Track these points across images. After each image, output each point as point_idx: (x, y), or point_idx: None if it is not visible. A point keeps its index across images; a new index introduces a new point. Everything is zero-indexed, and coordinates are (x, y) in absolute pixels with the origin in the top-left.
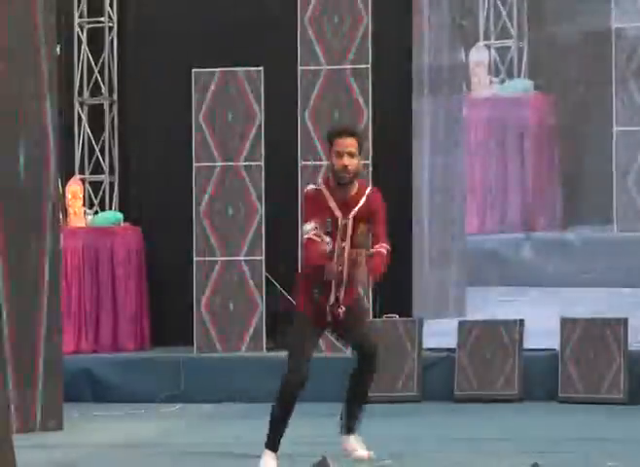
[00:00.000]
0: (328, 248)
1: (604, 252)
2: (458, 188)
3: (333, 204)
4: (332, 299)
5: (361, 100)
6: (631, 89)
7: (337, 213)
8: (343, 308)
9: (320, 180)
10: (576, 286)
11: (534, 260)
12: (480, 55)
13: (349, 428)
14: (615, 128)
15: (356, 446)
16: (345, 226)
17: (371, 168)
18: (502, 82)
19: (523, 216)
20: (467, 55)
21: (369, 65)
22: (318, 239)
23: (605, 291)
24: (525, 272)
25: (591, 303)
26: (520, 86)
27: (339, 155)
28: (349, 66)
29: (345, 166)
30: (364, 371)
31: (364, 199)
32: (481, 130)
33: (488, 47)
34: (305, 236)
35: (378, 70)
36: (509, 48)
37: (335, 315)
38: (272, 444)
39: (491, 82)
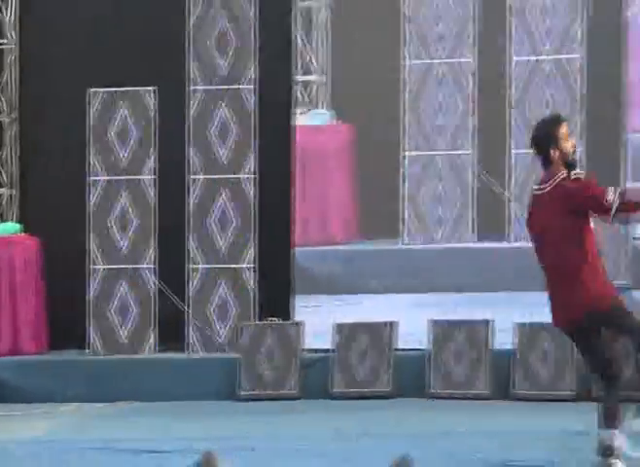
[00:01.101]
0: None
1: (392, 261)
2: None
3: None
4: None
5: (249, 117)
6: (419, 115)
7: None
8: None
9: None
10: (368, 292)
11: (334, 270)
12: None
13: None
14: (404, 153)
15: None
16: None
17: (253, 180)
18: (306, 112)
19: (324, 230)
20: None
21: (252, 86)
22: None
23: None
24: (326, 282)
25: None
26: (321, 116)
27: (568, 136)
28: (237, 86)
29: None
30: None
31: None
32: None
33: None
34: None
35: (264, 88)
36: (313, 82)
37: None
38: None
39: (295, 113)
